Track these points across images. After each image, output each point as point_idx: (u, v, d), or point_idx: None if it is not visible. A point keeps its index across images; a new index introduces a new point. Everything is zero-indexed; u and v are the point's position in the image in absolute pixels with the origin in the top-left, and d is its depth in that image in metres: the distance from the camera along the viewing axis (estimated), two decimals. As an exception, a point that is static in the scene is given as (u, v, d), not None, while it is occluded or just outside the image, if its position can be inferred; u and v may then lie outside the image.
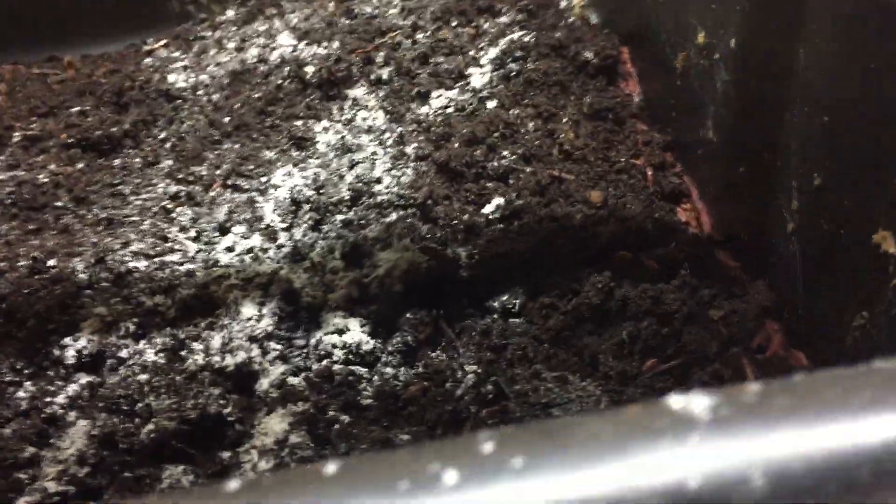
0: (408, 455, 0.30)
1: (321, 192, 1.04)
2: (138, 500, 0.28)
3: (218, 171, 1.12)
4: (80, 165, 1.20)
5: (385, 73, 1.27)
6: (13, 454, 0.76)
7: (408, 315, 0.86)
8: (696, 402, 0.30)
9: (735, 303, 0.84)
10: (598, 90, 1.18)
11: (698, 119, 0.98)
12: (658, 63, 1.08)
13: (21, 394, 0.82)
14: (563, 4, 1.43)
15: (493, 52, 1.26)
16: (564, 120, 1.11)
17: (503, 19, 1.37)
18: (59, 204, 1.12)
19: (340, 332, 0.85)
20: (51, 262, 0.98)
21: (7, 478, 0.74)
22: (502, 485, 0.28)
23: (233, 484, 0.29)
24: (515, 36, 1.28)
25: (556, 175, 1.03)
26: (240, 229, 1.01)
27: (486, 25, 1.36)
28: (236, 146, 1.18)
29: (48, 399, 0.81)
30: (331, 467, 0.30)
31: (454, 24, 1.38)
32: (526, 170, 1.03)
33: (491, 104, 1.16)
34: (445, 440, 0.30)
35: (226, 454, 0.75)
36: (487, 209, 0.98)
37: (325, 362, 0.83)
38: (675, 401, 0.30)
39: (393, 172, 1.06)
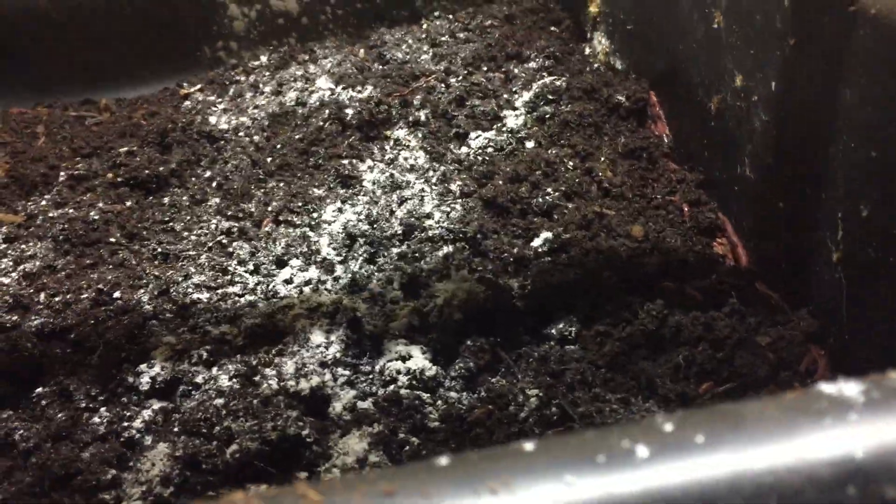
0: (596, 435, 0.33)
1: (374, 226, 1.08)
2: (353, 477, 0.31)
3: (268, 209, 1.16)
4: (129, 203, 1.24)
5: (423, 115, 1.32)
6: (95, 476, 0.78)
7: (467, 343, 0.90)
8: (848, 388, 0.34)
9: (780, 330, 0.88)
10: (630, 131, 1.23)
11: (734, 158, 1.03)
12: (689, 105, 1.14)
13: (97, 419, 0.84)
14: (587, 51, 1.50)
15: (527, 95, 1.32)
16: (601, 159, 1.17)
17: (532, 65, 1.43)
18: (112, 240, 1.15)
19: (403, 358, 0.89)
20: (115, 294, 1.01)
21: (91, 499, 0.76)
22: (690, 458, 0.32)
23: (443, 459, 0.33)
24: (547, 80, 1.33)
25: (597, 211, 1.07)
26: (297, 262, 1.04)
27: (515, 70, 1.42)
28: (282, 184, 1.22)
29: (125, 424, 0.83)
30: (528, 445, 0.33)
31: (485, 69, 1.44)
32: (569, 206, 1.08)
33: (529, 144, 1.21)
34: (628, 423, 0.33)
35: (303, 473, 0.78)
36: (535, 242, 1.02)
37: (391, 387, 0.86)
38: (828, 387, 0.34)
39: (442, 208, 1.10)
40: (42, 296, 1.02)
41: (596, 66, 1.43)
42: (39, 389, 0.88)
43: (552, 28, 1.58)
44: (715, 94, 1.07)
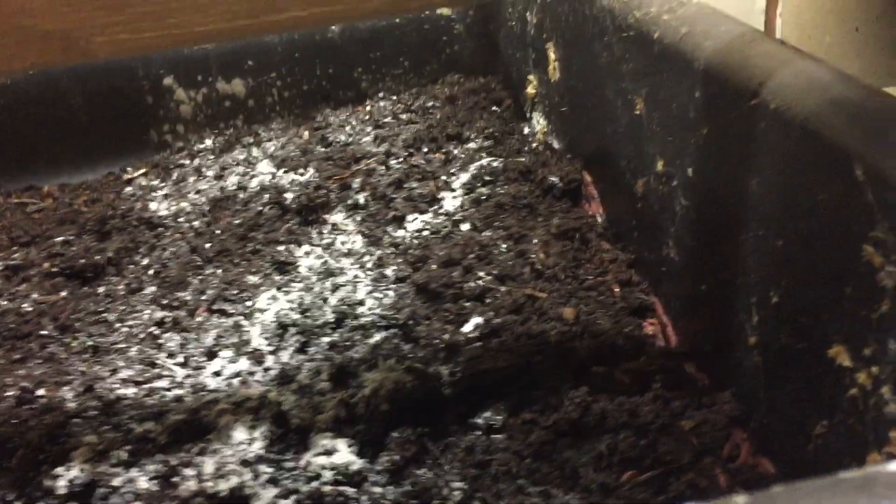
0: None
1: (306, 314, 1.07)
2: None
3: (203, 297, 1.16)
4: (63, 294, 1.23)
5: (362, 199, 1.33)
6: (5, 589, 0.76)
7: (394, 434, 0.89)
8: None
9: (704, 413, 0.88)
10: (563, 212, 1.25)
11: (660, 239, 1.05)
12: (619, 187, 1.16)
13: (12, 526, 0.82)
14: (526, 131, 1.53)
15: (464, 176, 1.34)
16: (535, 241, 1.18)
17: (471, 145, 1.46)
18: (44, 332, 1.14)
19: (329, 453, 0.88)
20: (39, 392, 0.99)
21: None
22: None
23: (741, 498, 0.32)
24: (484, 161, 1.36)
25: (529, 294, 1.08)
26: (227, 353, 1.04)
27: (455, 151, 1.44)
28: (219, 271, 1.22)
29: (40, 530, 0.81)
30: None
31: (425, 150, 1.46)
32: (501, 289, 1.09)
33: (464, 227, 1.22)
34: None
35: (220, 581, 0.76)
36: (466, 328, 1.03)
37: (314, 483, 0.85)
38: None
39: (375, 294, 1.11)
40: (-35, 395, 1.00)
41: (535, 145, 1.46)
42: (-48, 497, 0.85)
43: (493, 108, 1.61)
44: (641, 176, 1.09)
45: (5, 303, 1.21)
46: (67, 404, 0.97)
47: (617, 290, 1.12)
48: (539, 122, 1.51)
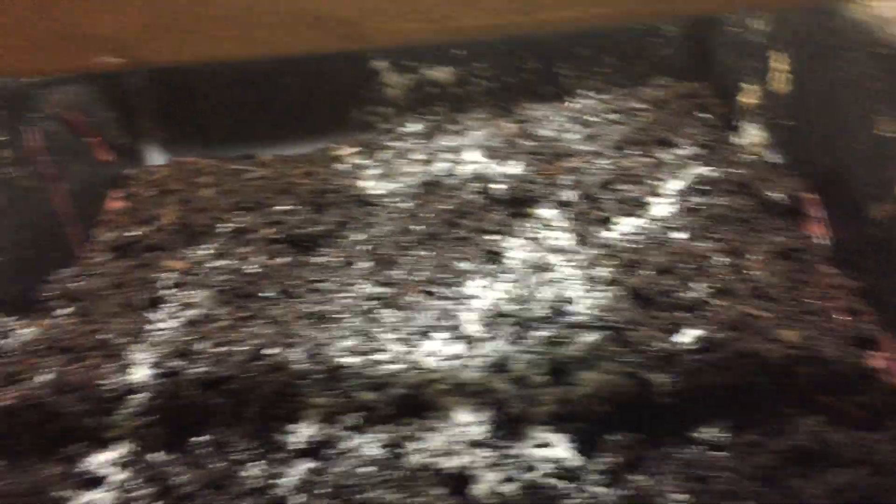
0: None
1: (522, 306, 1.09)
2: None
3: (414, 277, 1.20)
4: (284, 260, 1.30)
5: (570, 196, 1.33)
6: (245, 530, 0.81)
7: (610, 437, 0.89)
8: None
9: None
10: (784, 230, 1.21)
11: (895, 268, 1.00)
12: (851, 210, 1.11)
13: (249, 473, 0.88)
14: (735, 141, 1.48)
15: (677, 183, 1.32)
16: (753, 257, 1.15)
17: (681, 152, 1.43)
18: (267, 294, 1.21)
19: (545, 445, 0.89)
20: (269, 351, 1.06)
21: (241, 554, 0.79)
22: None
23: None
24: (699, 170, 1.33)
25: (749, 311, 1.05)
26: (441, 335, 1.07)
27: (664, 157, 1.42)
28: (430, 254, 1.26)
29: (274, 481, 0.87)
30: None
31: (634, 153, 1.44)
32: (718, 303, 1.07)
33: (678, 235, 1.20)
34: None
35: (444, 555, 0.79)
36: (682, 339, 1.01)
37: (532, 473, 0.86)
38: None
39: (589, 294, 1.11)
40: (203, 345, 1.08)
41: (747, 157, 1.41)
42: (197, 438, 0.92)
43: (702, 115, 1.57)
44: (879, 201, 1.04)
45: (232, 263, 1.29)
46: (294, 366, 1.02)
47: (841, 317, 1.07)
48: (753, 134, 1.47)
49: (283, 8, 0.78)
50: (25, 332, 1.15)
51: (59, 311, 1.21)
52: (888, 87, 1.03)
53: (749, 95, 1.49)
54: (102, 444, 0.93)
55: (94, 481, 0.88)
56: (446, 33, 0.83)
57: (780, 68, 1.36)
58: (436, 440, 0.88)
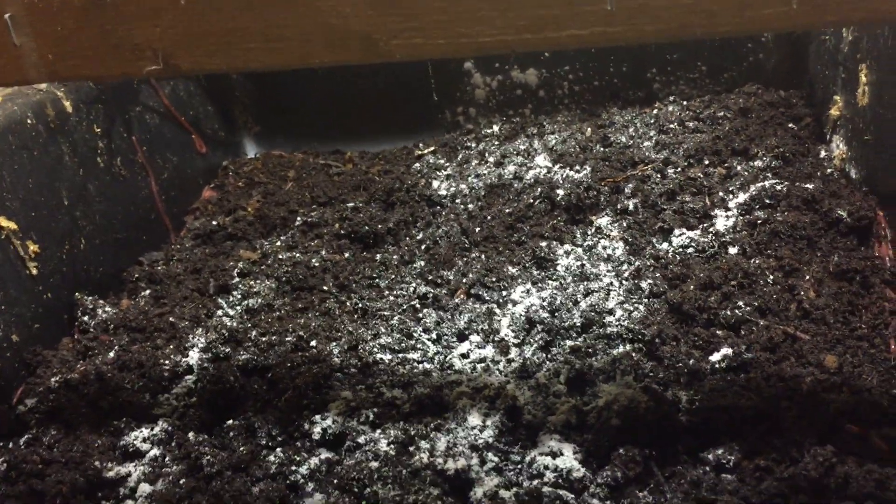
0: None
1: (555, 314, 1.10)
2: None
3: (464, 280, 1.23)
4: (346, 255, 1.36)
5: (631, 205, 1.33)
6: (258, 513, 0.87)
7: (620, 451, 0.90)
8: None
9: (973, 505, 0.79)
10: (847, 250, 1.16)
11: (954, 299, 0.94)
12: (916, 233, 1.06)
13: (272, 458, 0.94)
14: (823, 154, 1.42)
15: (743, 196, 1.28)
16: (807, 277, 1.11)
17: (757, 163, 1.39)
18: (325, 288, 1.27)
19: (554, 454, 0.90)
20: (312, 343, 1.11)
21: (250, 533, 0.85)
22: None
23: None
24: (767, 183, 1.29)
25: (790, 332, 1.02)
26: (476, 338, 1.09)
27: (738, 168, 1.38)
28: (483, 256, 1.28)
29: (293, 468, 0.92)
30: None
31: (706, 162, 1.41)
32: (760, 323, 1.04)
33: (732, 250, 1.18)
34: None
35: (435, 552, 0.82)
36: (714, 357, 1.00)
37: (535, 482, 0.88)
38: None
39: (625, 306, 1.11)
40: (254, 333, 1.15)
41: (829, 171, 1.36)
42: (230, 421, 0.99)
43: (790, 125, 1.52)
44: (943, 226, 0.98)
45: (299, 255, 1.36)
46: (333, 359, 1.08)
47: (893, 345, 1.02)
48: (839, 148, 1.40)
49: (304, 22, 0.82)
50: (108, 311, 1.26)
51: (140, 293, 1.32)
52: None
53: (837, 107, 1.42)
54: (150, 421, 1.01)
55: (133, 454, 0.96)
56: (469, 48, 0.85)
57: (863, 80, 1.29)
58: (443, 441, 0.91)
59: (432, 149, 1.71)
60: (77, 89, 1.35)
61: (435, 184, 1.52)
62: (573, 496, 0.87)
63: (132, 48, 0.81)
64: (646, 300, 1.11)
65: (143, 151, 1.51)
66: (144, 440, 0.97)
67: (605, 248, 1.25)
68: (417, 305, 1.19)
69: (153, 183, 1.53)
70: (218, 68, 0.81)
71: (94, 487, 0.92)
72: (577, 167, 1.45)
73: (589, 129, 1.62)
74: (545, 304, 1.12)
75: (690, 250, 1.20)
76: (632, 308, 1.10)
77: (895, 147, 1.15)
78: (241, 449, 0.94)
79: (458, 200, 1.46)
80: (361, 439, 0.94)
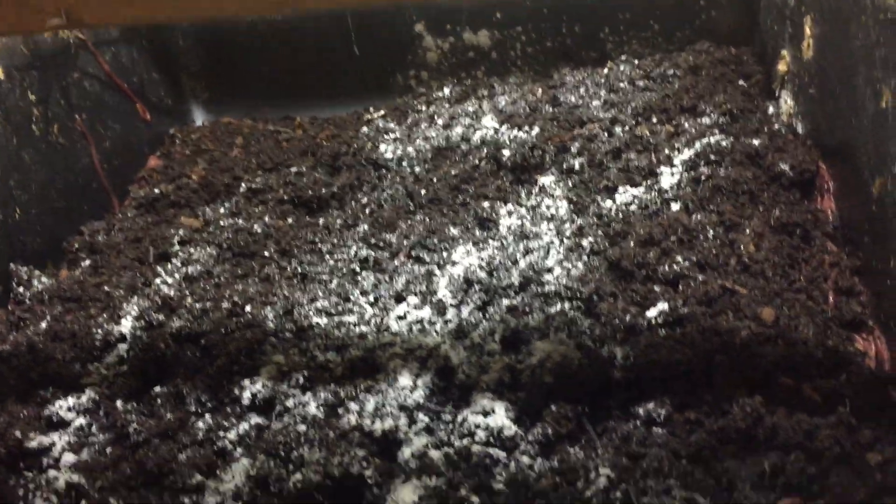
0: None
1: (493, 274, 1.09)
2: None
3: (405, 242, 1.21)
4: (289, 220, 1.33)
5: (577, 164, 1.31)
6: (184, 479, 0.85)
7: (553, 407, 0.88)
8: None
9: (900, 451, 0.79)
10: (789, 203, 1.15)
11: (890, 248, 0.94)
12: (855, 184, 1.05)
13: (200, 424, 0.92)
14: (770, 110, 1.41)
15: (688, 153, 1.27)
16: (748, 231, 1.10)
17: (705, 120, 1.37)
18: (266, 254, 1.25)
19: (486, 413, 0.89)
20: (247, 308, 1.09)
21: (174, 501, 0.84)
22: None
23: None
24: (713, 139, 1.27)
25: (728, 287, 1.01)
26: (414, 300, 1.08)
27: (686, 125, 1.37)
28: (426, 219, 1.26)
29: (221, 433, 0.91)
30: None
31: (654, 120, 1.40)
32: (698, 277, 1.03)
33: (675, 206, 1.16)
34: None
35: (361, 513, 0.81)
36: (651, 313, 0.99)
37: (465, 440, 0.87)
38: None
39: (564, 264, 1.09)
40: (189, 300, 1.13)
41: (776, 126, 1.34)
42: (158, 388, 0.97)
43: (740, 82, 1.50)
44: (879, 176, 0.97)
45: (241, 222, 1.33)
46: (268, 324, 1.06)
47: (832, 297, 1.01)
48: (786, 103, 1.39)
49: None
50: (44, 281, 1.23)
51: (79, 263, 1.29)
52: (893, 54, 0.96)
53: (784, 62, 1.41)
54: (77, 390, 0.99)
55: (57, 424, 0.94)
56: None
57: (807, 33, 1.28)
58: (371, 402, 0.90)
59: (382, 113, 1.68)
60: (10, 55, 1.31)
61: (382, 147, 1.49)
62: (504, 454, 0.86)
63: (35, 2, 0.78)
64: (585, 258, 1.10)
65: (81, 119, 1.47)
66: (70, 409, 0.95)
67: (548, 207, 1.23)
68: (357, 269, 1.17)
69: (94, 151, 1.50)
70: (123, 20, 0.78)
71: (15, 458, 0.90)
72: (526, 128, 1.43)
73: (539, 90, 1.60)
74: (484, 264, 1.11)
75: (633, 207, 1.19)
76: (571, 266, 1.09)
77: (837, 99, 1.13)
78: (169, 416, 0.93)
79: (404, 163, 1.43)
80: (290, 402, 0.92)
